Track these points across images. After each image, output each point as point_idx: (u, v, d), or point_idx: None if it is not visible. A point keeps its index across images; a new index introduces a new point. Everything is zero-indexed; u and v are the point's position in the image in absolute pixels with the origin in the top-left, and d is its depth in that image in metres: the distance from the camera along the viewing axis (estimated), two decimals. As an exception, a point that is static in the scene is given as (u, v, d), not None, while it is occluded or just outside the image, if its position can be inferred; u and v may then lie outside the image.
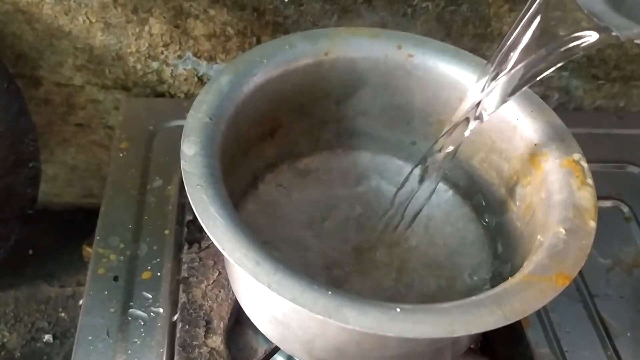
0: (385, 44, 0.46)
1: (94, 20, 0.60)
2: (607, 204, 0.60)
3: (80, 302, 0.47)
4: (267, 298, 0.37)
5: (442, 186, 0.49)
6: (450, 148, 0.41)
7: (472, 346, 0.46)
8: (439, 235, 0.47)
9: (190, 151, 0.36)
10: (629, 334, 0.51)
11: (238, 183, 0.44)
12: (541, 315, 0.50)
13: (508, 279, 0.35)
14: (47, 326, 0.75)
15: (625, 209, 0.60)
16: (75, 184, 0.80)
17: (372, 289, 0.43)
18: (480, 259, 0.45)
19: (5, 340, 0.74)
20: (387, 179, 0.50)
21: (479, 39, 0.65)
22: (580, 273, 0.54)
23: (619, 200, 0.60)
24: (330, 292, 0.31)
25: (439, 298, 0.43)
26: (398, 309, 0.31)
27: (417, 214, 0.45)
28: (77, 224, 0.79)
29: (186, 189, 0.34)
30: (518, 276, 0.34)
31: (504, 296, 0.32)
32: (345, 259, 0.45)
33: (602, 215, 0.61)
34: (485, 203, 0.47)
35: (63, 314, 0.76)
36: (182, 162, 0.36)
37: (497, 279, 0.43)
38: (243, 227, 0.33)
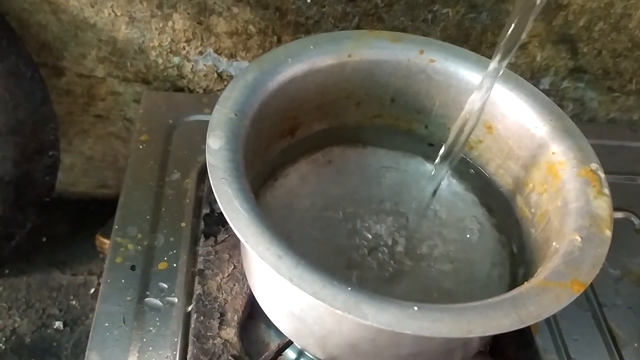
0: (407, 48, 0.47)
1: (119, 14, 0.61)
2: (618, 215, 0.61)
3: (92, 290, 0.47)
4: (285, 292, 0.38)
5: (459, 188, 0.50)
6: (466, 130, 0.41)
7: (481, 349, 0.46)
8: (456, 234, 0.47)
9: (216, 145, 0.37)
10: (636, 345, 0.51)
11: (257, 176, 0.44)
12: (550, 322, 0.51)
13: (522, 282, 0.35)
14: (58, 313, 0.76)
15: (636, 221, 0.60)
16: (91, 174, 0.81)
17: (389, 286, 0.44)
18: (497, 259, 0.46)
19: (16, 325, 0.75)
20: (405, 174, 0.51)
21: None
22: (590, 283, 0.55)
23: (630, 212, 0.61)
24: (350, 288, 0.32)
25: (456, 295, 0.43)
26: (416, 308, 0.31)
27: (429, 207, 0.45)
28: (91, 213, 0.80)
29: (211, 182, 0.35)
30: (534, 281, 0.35)
31: (520, 300, 0.33)
32: (362, 253, 0.45)
33: (613, 227, 0.61)
34: (501, 208, 0.48)
35: (74, 302, 0.76)
36: (207, 155, 0.36)
37: (512, 280, 0.44)
38: (265, 221, 0.34)
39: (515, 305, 0.32)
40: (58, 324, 0.75)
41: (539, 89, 0.69)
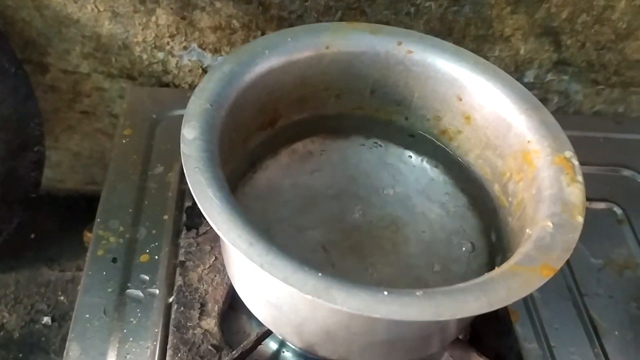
0: (385, 39, 0.47)
1: (102, 9, 0.61)
2: (601, 206, 0.61)
3: (81, 281, 0.48)
4: (261, 280, 0.38)
5: (440, 179, 0.50)
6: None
7: (460, 337, 0.46)
8: (436, 224, 0.48)
9: (190, 135, 0.37)
10: (616, 333, 0.51)
11: (236, 168, 0.45)
12: (530, 311, 0.51)
13: (497, 269, 0.36)
14: (47, 309, 0.76)
15: (619, 212, 0.61)
16: (79, 170, 0.81)
17: (366, 272, 0.44)
18: (476, 247, 0.46)
19: (5, 321, 0.75)
20: (386, 165, 0.51)
21: (480, 40, 0.66)
22: (571, 272, 0.55)
23: (612, 203, 0.61)
24: (320, 274, 0.32)
25: (434, 283, 0.44)
26: (385, 292, 0.32)
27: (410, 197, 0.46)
28: (79, 210, 0.80)
29: (185, 171, 0.35)
30: (504, 266, 0.35)
31: (490, 284, 0.33)
32: (341, 242, 0.45)
33: (596, 217, 0.62)
34: (480, 198, 0.48)
35: (62, 298, 0.77)
36: (181, 145, 0.37)
37: (490, 267, 0.44)
38: (238, 209, 0.34)
39: (484, 289, 0.33)
40: (46, 320, 0.76)
41: (523, 82, 0.70)
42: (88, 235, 0.76)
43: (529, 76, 0.71)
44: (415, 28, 0.64)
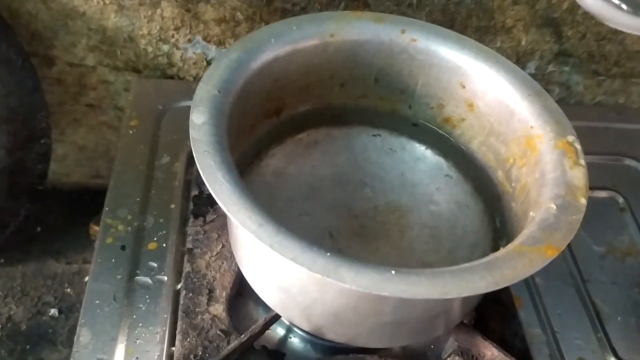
0: (389, 28, 0.48)
1: (108, 2, 0.62)
2: (603, 194, 0.62)
3: (86, 278, 0.48)
4: (269, 263, 0.39)
5: (444, 164, 0.51)
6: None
7: (465, 321, 0.47)
8: (442, 210, 0.48)
9: (199, 120, 0.38)
10: (619, 318, 0.52)
11: (243, 155, 0.45)
12: (534, 297, 0.52)
13: (502, 252, 0.36)
14: (53, 301, 0.77)
15: (621, 200, 0.61)
16: (84, 164, 0.82)
17: (372, 256, 0.44)
18: (480, 232, 0.47)
19: (12, 313, 0.76)
20: (390, 153, 0.52)
21: (482, 32, 0.66)
22: (574, 259, 0.56)
23: (614, 192, 0.62)
24: (328, 254, 0.32)
25: (440, 265, 0.44)
26: (393, 272, 0.32)
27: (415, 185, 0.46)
28: (85, 203, 0.81)
29: (194, 155, 0.36)
30: (509, 247, 0.36)
31: (495, 264, 0.34)
32: (347, 227, 0.46)
33: (598, 205, 0.62)
34: (484, 184, 0.49)
35: (69, 290, 0.77)
36: (190, 130, 0.37)
37: (494, 251, 0.44)
38: (247, 191, 0.35)
39: (490, 268, 0.33)
40: (53, 312, 0.76)
41: (524, 73, 0.71)
42: (94, 228, 0.77)
43: (530, 67, 0.71)
44: (417, 19, 0.64)
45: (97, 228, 0.75)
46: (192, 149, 0.36)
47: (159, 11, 0.63)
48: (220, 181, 0.35)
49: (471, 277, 0.33)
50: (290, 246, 0.32)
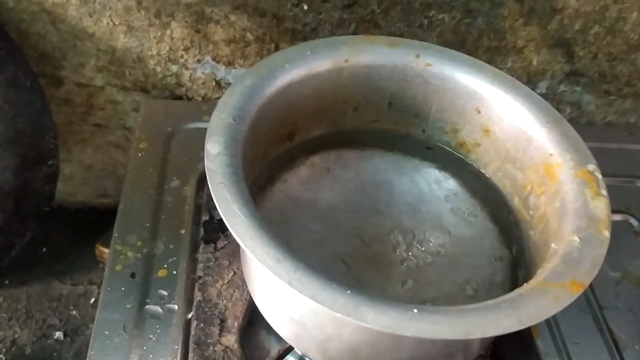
0: (403, 52, 0.48)
1: (117, 23, 0.61)
2: (617, 217, 0.61)
3: (92, 300, 0.47)
4: (285, 297, 0.38)
5: (459, 189, 0.50)
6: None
7: (482, 353, 0.46)
8: (457, 237, 0.47)
9: (214, 150, 0.37)
10: (637, 347, 0.51)
11: (256, 181, 0.45)
12: (551, 325, 0.51)
13: (522, 284, 0.35)
14: (59, 323, 0.76)
15: (635, 223, 0.60)
16: (91, 183, 0.81)
17: (388, 285, 0.44)
18: (497, 261, 0.46)
19: (17, 336, 0.75)
20: (404, 178, 0.51)
21: (493, 52, 0.66)
22: (590, 285, 0.55)
23: (628, 215, 0.61)
24: (349, 291, 0.32)
25: (456, 297, 0.43)
26: (415, 310, 0.31)
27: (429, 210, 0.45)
28: (91, 223, 0.80)
29: (210, 186, 0.35)
30: (533, 282, 0.35)
31: (519, 301, 0.33)
32: (360, 255, 0.45)
33: (612, 229, 0.61)
34: (500, 210, 0.48)
35: (74, 312, 0.76)
36: (206, 160, 0.37)
37: (512, 282, 0.44)
38: (264, 225, 0.34)
39: (514, 306, 0.32)
40: (58, 334, 0.75)
41: (535, 93, 0.70)
42: (100, 249, 0.76)
43: (542, 87, 0.71)
44: (428, 40, 0.64)
45: (103, 249, 0.75)
46: (208, 180, 0.36)
47: (168, 32, 0.63)
48: (236, 214, 0.34)
49: (495, 316, 0.32)
50: (309, 283, 0.32)
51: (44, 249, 0.82)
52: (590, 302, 0.53)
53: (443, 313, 0.32)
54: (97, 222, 0.79)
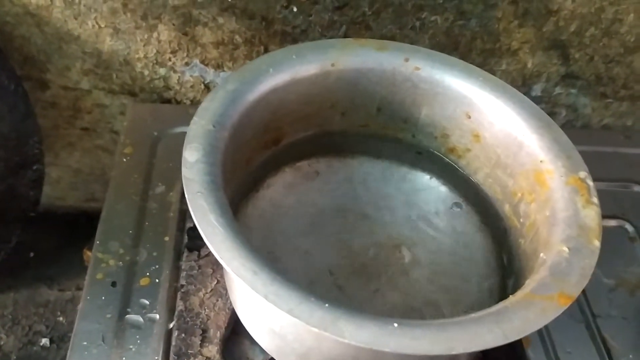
0: (392, 56, 0.46)
1: (103, 25, 0.60)
2: (612, 223, 0.60)
3: (79, 306, 0.46)
4: (264, 309, 0.37)
5: (448, 196, 0.49)
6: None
7: (471, 364, 0.45)
8: (445, 244, 0.46)
9: (192, 158, 0.36)
10: (631, 356, 0.50)
11: (238, 188, 0.44)
12: (542, 334, 0.49)
13: (511, 293, 0.34)
14: (45, 330, 0.75)
15: (630, 229, 0.59)
16: (79, 187, 0.80)
17: (374, 295, 0.42)
18: (487, 269, 0.45)
19: (2, 342, 0.74)
20: (392, 183, 0.50)
21: (487, 54, 0.65)
22: (583, 292, 0.54)
23: (624, 220, 0.60)
24: (327, 305, 0.31)
25: (444, 306, 0.42)
26: (395, 324, 0.30)
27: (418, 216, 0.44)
28: (79, 227, 0.79)
29: (186, 195, 0.34)
30: (519, 294, 0.34)
31: (504, 314, 0.32)
32: (348, 264, 0.44)
33: (607, 235, 0.60)
34: (490, 217, 0.47)
35: (61, 318, 0.75)
36: (183, 168, 0.36)
37: (502, 291, 0.43)
38: (242, 236, 0.33)
39: (499, 320, 0.31)
40: (44, 341, 0.74)
41: (530, 95, 0.69)
42: (88, 254, 0.75)
43: (537, 90, 0.70)
44: (420, 42, 0.63)
45: (90, 254, 0.73)
46: (184, 188, 0.35)
47: (155, 34, 0.61)
48: (212, 224, 0.33)
49: (478, 330, 0.31)
50: (286, 296, 0.31)
51: (32, 254, 0.81)
52: (584, 310, 0.52)
53: (424, 327, 0.31)
54: (85, 226, 0.77)
